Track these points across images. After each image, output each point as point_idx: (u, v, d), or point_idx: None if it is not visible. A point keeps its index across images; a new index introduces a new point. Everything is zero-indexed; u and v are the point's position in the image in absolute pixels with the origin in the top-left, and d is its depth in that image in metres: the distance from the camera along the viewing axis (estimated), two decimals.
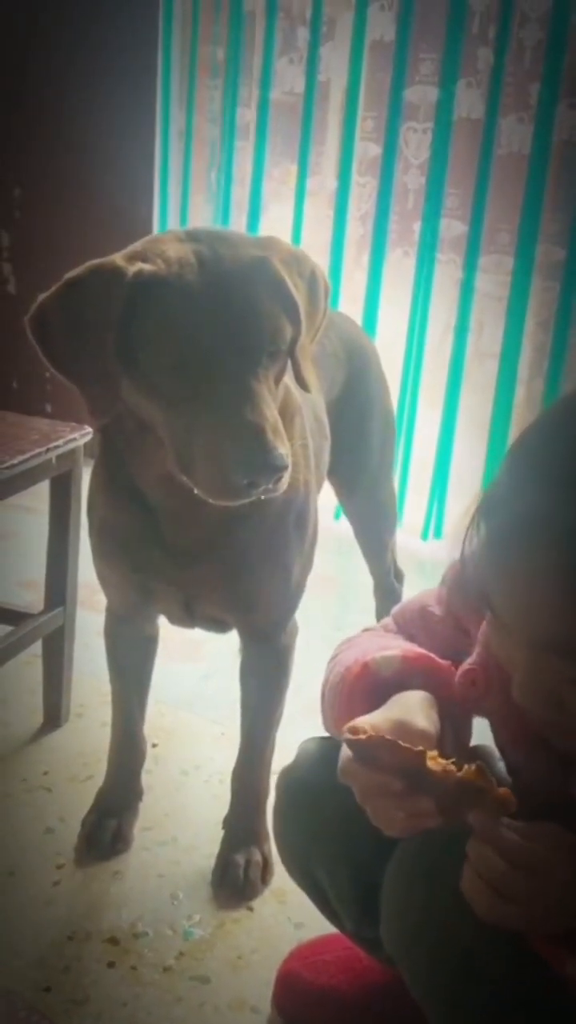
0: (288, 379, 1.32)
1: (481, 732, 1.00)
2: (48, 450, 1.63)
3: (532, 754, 0.93)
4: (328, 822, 1.08)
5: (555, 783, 0.91)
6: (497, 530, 0.79)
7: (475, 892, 0.81)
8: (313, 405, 1.57)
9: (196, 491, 1.20)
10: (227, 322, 1.14)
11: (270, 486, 1.15)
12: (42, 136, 3.16)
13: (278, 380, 1.23)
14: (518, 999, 0.88)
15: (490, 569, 0.80)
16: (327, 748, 1.10)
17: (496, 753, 0.99)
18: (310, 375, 1.31)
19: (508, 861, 0.79)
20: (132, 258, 1.18)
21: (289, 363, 1.27)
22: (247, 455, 1.12)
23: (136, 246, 1.21)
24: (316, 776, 1.10)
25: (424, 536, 2.81)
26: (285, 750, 1.50)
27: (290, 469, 1.16)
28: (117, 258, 1.19)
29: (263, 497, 1.19)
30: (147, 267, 1.15)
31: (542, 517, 0.74)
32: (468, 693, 0.94)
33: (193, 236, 1.21)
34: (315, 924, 1.25)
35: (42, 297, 1.21)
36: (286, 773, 1.15)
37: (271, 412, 1.16)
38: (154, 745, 1.76)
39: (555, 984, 0.85)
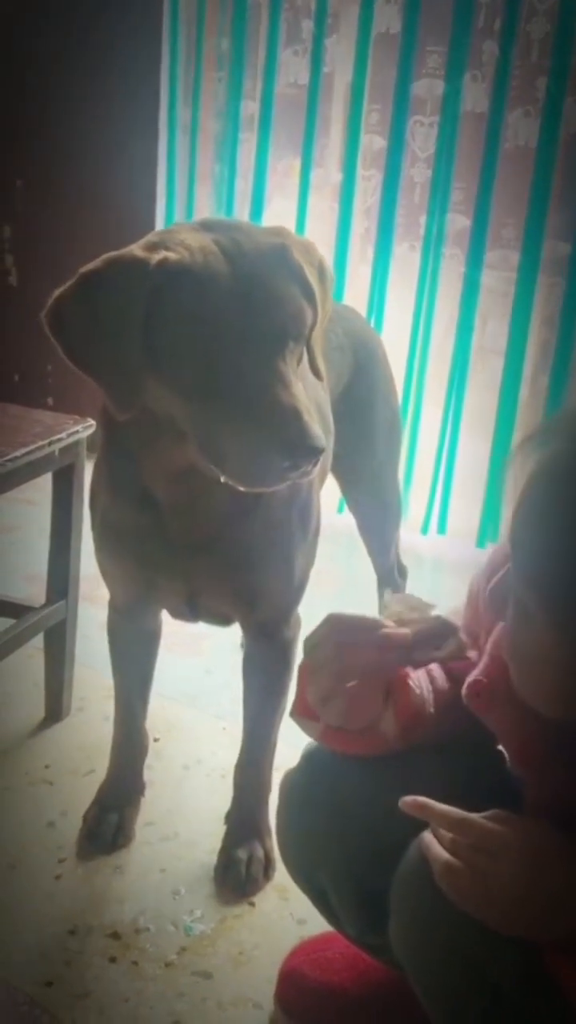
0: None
1: None
2: (51, 443, 1.62)
3: (538, 767, 0.92)
4: (331, 828, 1.07)
5: (563, 796, 0.90)
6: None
7: (436, 858, 0.88)
8: (317, 397, 1.56)
9: (224, 480, 1.19)
10: (256, 308, 1.14)
11: (308, 468, 1.15)
12: (45, 129, 3.14)
13: (297, 366, 1.23)
14: (523, 1012, 0.87)
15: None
16: (331, 752, 1.09)
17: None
18: (321, 362, 1.31)
19: (470, 838, 0.86)
20: (150, 248, 1.16)
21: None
22: (288, 437, 1.11)
23: (151, 237, 1.20)
24: (320, 780, 1.10)
25: (424, 531, 2.80)
26: (288, 745, 1.50)
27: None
28: (135, 249, 1.17)
29: (296, 481, 1.18)
30: (172, 255, 1.14)
31: None
32: (473, 704, 0.94)
33: (208, 226, 1.20)
34: (317, 920, 1.24)
35: (58, 292, 1.19)
36: (289, 776, 1.14)
37: (303, 395, 1.16)
38: (156, 739, 1.76)
39: (563, 1003, 0.85)
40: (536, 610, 0.79)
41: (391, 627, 0.99)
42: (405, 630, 0.99)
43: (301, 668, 1.06)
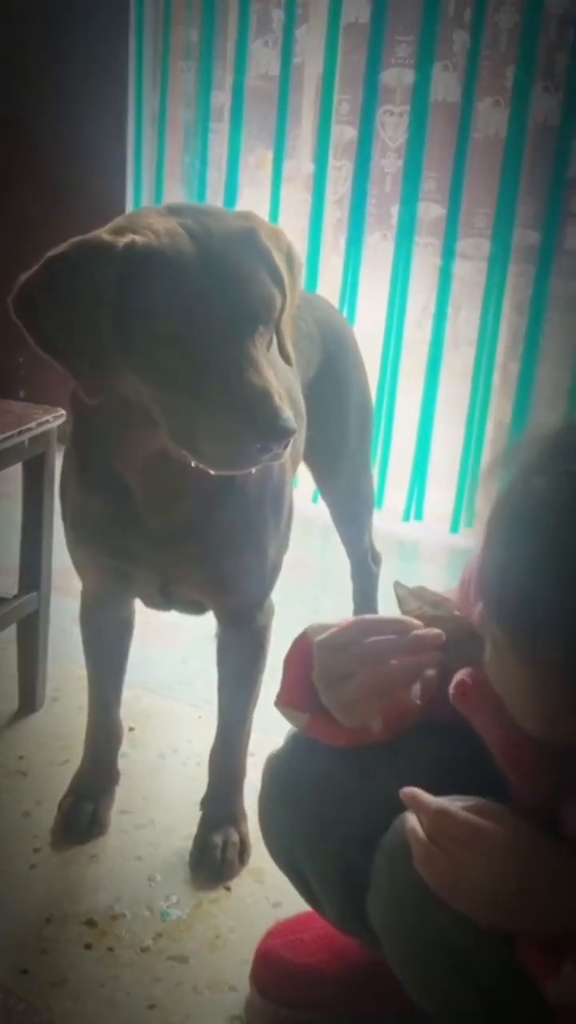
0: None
1: None
2: (21, 432, 1.62)
3: (523, 768, 0.92)
4: (313, 813, 1.08)
5: (546, 796, 0.91)
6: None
7: (417, 842, 0.88)
8: (287, 382, 1.56)
9: (196, 464, 1.19)
10: (224, 290, 1.14)
11: (279, 450, 1.15)
12: (11, 118, 3.11)
13: (267, 351, 1.23)
14: (496, 985, 0.88)
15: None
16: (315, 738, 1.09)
17: None
18: (290, 347, 1.31)
19: (451, 827, 0.87)
20: (117, 232, 1.16)
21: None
22: (260, 419, 1.11)
23: (119, 221, 1.20)
24: (304, 763, 1.10)
25: (405, 518, 2.82)
26: (262, 731, 1.51)
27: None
28: (102, 233, 1.17)
29: (267, 464, 1.18)
30: (139, 239, 1.14)
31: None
32: (459, 704, 0.94)
33: (175, 210, 1.20)
34: (293, 903, 1.25)
35: (24, 277, 1.18)
36: (272, 761, 1.14)
37: (274, 377, 1.16)
38: (131, 728, 1.76)
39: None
40: (502, 641, 0.81)
41: (422, 628, 0.97)
42: (437, 630, 0.96)
43: (290, 661, 1.05)
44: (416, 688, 1.02)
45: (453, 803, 0.89)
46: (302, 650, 1.03)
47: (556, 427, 0.82)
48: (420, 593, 1.01)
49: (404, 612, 1.01)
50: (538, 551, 0.76)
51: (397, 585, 1.02)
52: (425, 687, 1.03)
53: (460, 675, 0.94)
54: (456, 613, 0.99)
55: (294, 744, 1.12)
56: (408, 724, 1.03)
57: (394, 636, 0.97)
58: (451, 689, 0.94)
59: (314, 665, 1.00)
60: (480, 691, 0.91)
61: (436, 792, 0.91)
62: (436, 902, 0.88)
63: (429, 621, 0.97)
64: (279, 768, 1.13)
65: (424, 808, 0.89)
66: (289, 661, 1.06)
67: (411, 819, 0.90)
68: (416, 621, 0.98)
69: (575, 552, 0.74)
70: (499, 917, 0.86)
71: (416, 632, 0.96)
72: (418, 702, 1.02)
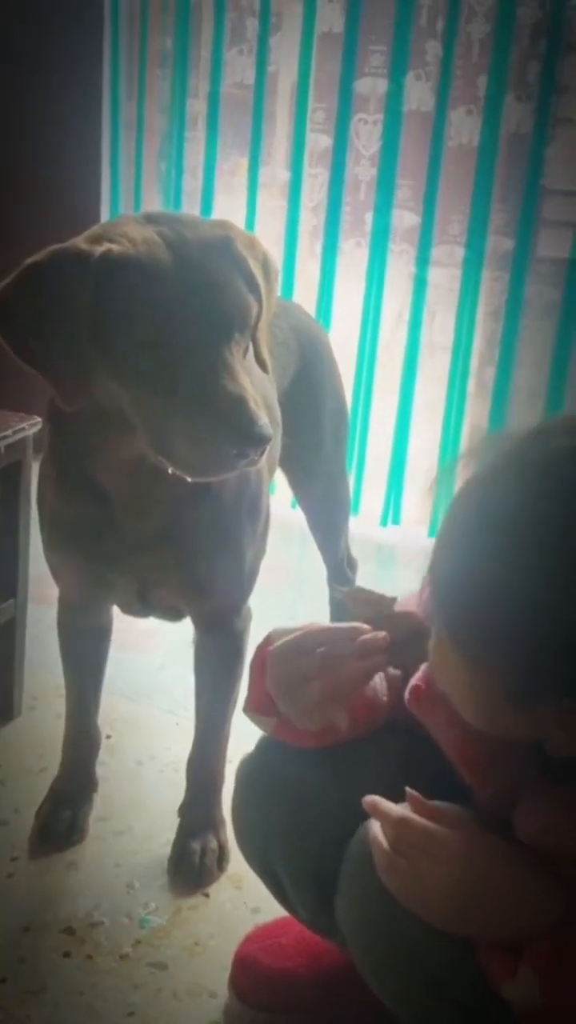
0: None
1: None
2: None
3: (479, 771, 0.94)
4: (285, 814, 1.08)
5: (504, 799, 0.92)
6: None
7: (379, 852, 0.89)
8: (263, 389, 1.57)
9: (173, 471, 1.19)
10: (200, 298, 1.15)
11: (256, 456, 1.16)
12: None
13: (243, 359, 1.24)
14: (463, 991, 0.89)
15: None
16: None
17: None
18: (267, 355, 1.32)
19: (411, 836, 0.87)
20: (94, 240, 1.17)
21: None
22: (235, 425, 1.12)
23: (95, 230, 1.21)
24: (275, 768, 1.10)
25: (383, 523, 2.84)
26: (240, 737, 1.51)
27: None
28: (79, 241, 1.18)
29: (244, 470, 1.19)
30: (115, 247, 1.15)
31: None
32: (413, 708, 0.96)
33: (151, 219, 1.21)
34: (271, 909, 1.25)
35: (1, 285, 1.19)
36: (245, 764, 1.15)
37: (250, 384, 1.17)
38: (108, 736, 1.75)
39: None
40: (448, 635, 0.81)
41: (368, 633, 0.99)
42: (382, 633, 0.98)
43: (255, 666, 1.07)
44: (382, 686, 1.03)
45: (420, 807, 0.90)
46: (265, 655, 1.04)
47: (522, 430, 0.82)
48: (357, 594, 1.03)
49: (349, 616, 1.02)
50: (494, 551, 0.77)
51: (338, 592, 1.04)
52: (391, 686, 1.04)
53: (415, 679, 0.95)
54: (397, 611, 1.01)
55: (265, 747, 1.13)
56: (377, 722, 1.04)
57: (343, 643, 0.98)
58: (406, 694, 0.96)
59: (267, 675, 1.01)
60: (434, 695, 0.92)
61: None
62: (406, 914, 0.89)
63: (377, 624, 0.99)
64: (251, 770, 1.14)
65: (385, 817, 0.90)
66: (254, 666, 1.07)
67: (374, 827, 0.91)
68: (364, 626, 0.99)
69: (530, 553, 0.75)
70: (459, 923, 0.87)
71: (362, 638, 0.98)
72: (384, 698, 1.04)
